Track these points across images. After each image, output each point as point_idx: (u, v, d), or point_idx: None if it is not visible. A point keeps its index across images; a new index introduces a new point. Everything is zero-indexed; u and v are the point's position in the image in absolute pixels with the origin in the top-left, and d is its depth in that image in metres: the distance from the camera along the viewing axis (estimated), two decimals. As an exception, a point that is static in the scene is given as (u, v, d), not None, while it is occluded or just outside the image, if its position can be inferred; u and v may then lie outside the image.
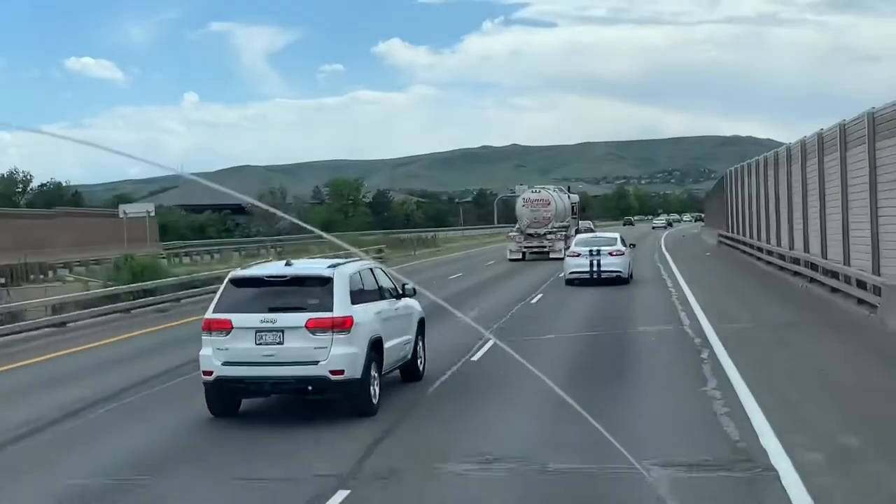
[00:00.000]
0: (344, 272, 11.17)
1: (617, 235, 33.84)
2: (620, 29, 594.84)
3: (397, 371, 12.67)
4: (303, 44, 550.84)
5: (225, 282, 11.42)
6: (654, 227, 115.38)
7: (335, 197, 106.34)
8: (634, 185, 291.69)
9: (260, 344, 10.64)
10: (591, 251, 30.50)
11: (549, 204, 48.27)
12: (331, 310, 10.64)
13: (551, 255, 44.96)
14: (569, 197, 53.68)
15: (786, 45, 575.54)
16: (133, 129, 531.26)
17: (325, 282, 10.90)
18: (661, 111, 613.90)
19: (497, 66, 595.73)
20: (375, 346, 11.26)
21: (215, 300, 11.16)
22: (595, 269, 30.27)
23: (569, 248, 34.92)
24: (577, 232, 46.41)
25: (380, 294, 12.19)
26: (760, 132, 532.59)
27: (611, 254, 30.85)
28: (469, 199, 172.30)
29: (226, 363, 10.75)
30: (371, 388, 11.05)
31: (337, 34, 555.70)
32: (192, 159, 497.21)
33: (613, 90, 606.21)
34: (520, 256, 46.83)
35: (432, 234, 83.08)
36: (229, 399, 11.15)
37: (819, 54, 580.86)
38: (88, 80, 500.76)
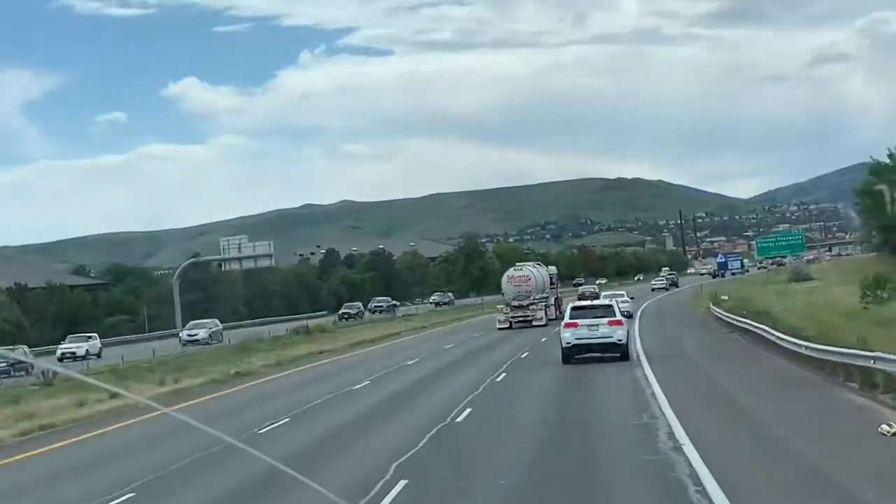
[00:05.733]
0: (615, 303, 38.75)
1: (624, 292, 72.01)
2: (471, 55, 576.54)
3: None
4: (70, 89, 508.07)
5: (569, 307, 38.33)
6: (653, 289, 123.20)
7: None
8: (497, 242, 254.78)
9: (590, 330, 34.34)
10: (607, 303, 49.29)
11: (529, 279, 63.51)
12: (615, 316, 35.34)
13: (534, 323, 60.46)
14: (547, 270, 71.74)
15: (673, 67, 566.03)
16: None
17: (609, 307, 36.98)
18: (527, 153, 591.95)
19: (321, 106, 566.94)
20: (628, 333, 37.54)
21: (567, 314, 35.99)
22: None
23: (551, 315, 61.80)
24: (558, 300, 67.38)
25: (625, 314, 44.94)
26: (650, 173, 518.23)
27: (622, 301, 55.68)
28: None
29: (577, 339, 34.34)
30: (629, 349, 35.58)
31: (115, 75, 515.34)
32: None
33: (467, 130, 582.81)
34: (507, 326, 61.32)
35: None
36: (573, 354, 34.20)
37: (713, 76, 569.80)
38: None
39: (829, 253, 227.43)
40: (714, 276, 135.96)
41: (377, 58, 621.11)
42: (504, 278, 64.91)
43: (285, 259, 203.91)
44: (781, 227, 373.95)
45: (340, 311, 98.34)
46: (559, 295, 72.26)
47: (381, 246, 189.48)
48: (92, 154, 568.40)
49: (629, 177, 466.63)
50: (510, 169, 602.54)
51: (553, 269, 76.51)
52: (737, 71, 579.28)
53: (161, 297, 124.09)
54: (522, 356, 37.98)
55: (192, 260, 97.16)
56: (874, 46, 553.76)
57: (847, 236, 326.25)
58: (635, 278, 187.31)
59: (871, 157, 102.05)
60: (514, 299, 62.28)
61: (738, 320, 42.77)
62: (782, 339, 30.27)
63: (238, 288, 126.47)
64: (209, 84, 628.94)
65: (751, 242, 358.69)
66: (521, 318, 61.32)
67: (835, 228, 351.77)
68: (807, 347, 26.36)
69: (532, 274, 64.50)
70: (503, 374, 29.96)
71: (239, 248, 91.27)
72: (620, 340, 34.23)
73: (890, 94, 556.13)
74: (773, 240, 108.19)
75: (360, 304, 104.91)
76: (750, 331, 38.25)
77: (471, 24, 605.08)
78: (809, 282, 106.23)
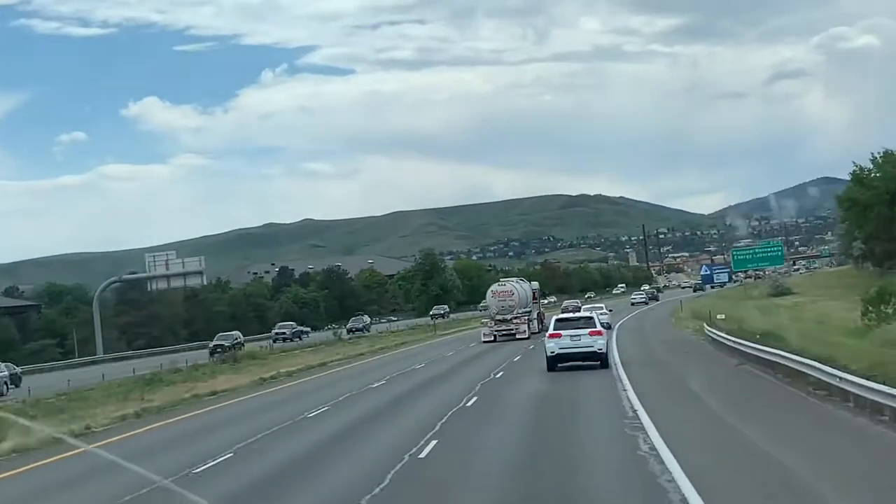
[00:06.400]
0: (595, 315, 40.17)
1: (603, 305, 76.58)
2: (432, 73, 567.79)
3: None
4: (30, 109, 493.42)
5: (554, 319, 39.15)
6: (633, 304, 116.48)
7: None
8: (459, 258, 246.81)
9: (572, 340, 35.91)
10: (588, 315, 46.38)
11: (512, 294, 64.26)
12: (595, 327, 36.78)
13: (517, 336, 61.86)
14: (530, 285, 72.08)
15: (633, 84, 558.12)
16: None
17: (590, 318, 38.33)
18: (489, 171, 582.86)
19: (283, 125, 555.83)
20: (608, 342, 40.44)
21: (551, 326, 37.44)
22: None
23: (534, 329, 65.03)
24: (541, 315, 69.99)
25: (605, 325, 50.29)
26: (612, 189, 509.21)
27: (601, 314, 56.91)
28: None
29: (560, 348, 35.91)
30: (609, 358, 37.49)
31: (75, 95, 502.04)
32: None
33: (429, 148, 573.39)
34: (492, 339, 62.50)
35: None
36: (557, 363, 35.71)
37: (673, 92, 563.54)
38: None
39: (794, 267, 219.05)
40: (695, 290, 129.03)
41: (338, 76, 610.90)
42: (489, 293, 66.47)
43: (241, 278, 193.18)
44: (743, 241, 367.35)
45: (212, 345, 73.54)
46: (542, 309, 74.16)
47: (338, 264, 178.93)
48: (52, 174, 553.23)
49: (591, 193, 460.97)
50: (472, 186, 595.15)
51: (535, 284, 77.68)
52: (696, 87, 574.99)
53: (101, 318, 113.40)
54: (468, 404, 26.77)
55: (113, 279, 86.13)
56: (831, 62, 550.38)
57: (808, 250, 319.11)
58: (585, 296, 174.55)
59: (854, 164, 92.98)
60: (498, 313, 63.68)
61: (749, 346, 32.17)
62: (853, 382, 19.34)
63: (178, 308, 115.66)
64: (170, 103, 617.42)
65: (714, 257, 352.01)
66: (505, 332, 62.74)
67: (797, 243, 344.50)
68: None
69: (515, 289, 65.93)
70: (431, 445, 19.05)
71: (167, 265, 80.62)
72: (601, 350, 36.39)
73: (847, 110, 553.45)
74: (751, 251, 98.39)
75: (237, 333, 79.59)
76: (772, 362, 27.82)
77: (432, 43, 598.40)
78: (790, 296, 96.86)
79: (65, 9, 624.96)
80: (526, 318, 64.23)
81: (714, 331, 41.45)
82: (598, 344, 35.78)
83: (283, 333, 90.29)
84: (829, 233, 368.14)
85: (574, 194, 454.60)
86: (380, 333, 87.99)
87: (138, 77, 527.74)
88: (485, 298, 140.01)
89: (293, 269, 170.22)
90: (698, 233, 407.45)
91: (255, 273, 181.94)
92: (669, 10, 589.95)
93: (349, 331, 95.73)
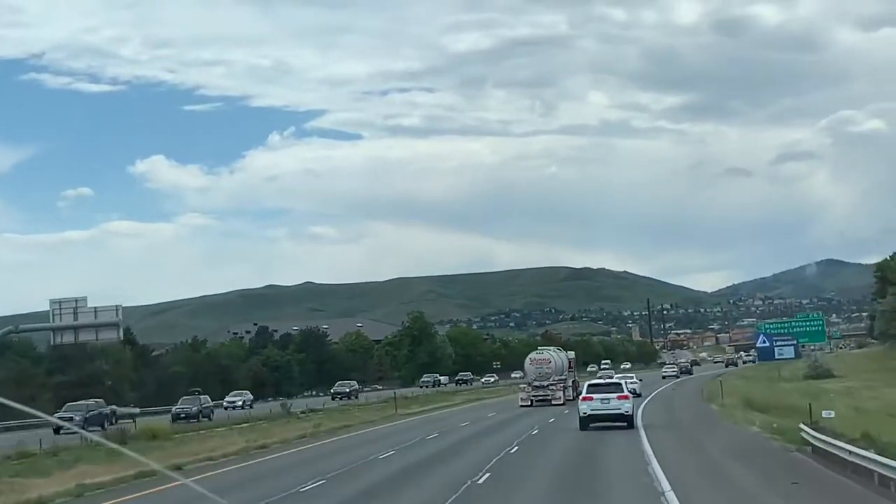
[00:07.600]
0: (623, 382, 45.98)
1: (633, 375, 79.48)
2: (439, 141, 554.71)
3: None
4: (37, 163, 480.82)
5: (586, 384, 43.91)
6: (664, 377, 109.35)
7: None
8: (456, 325, 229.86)
9: (602, 403, 40.25)
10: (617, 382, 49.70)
11: (550, 362, 66.83)
12: (623, 392, 41.57)
13: (553, 402, 63.61)
14: (566, 354, 74.30)
15: (639, 159, 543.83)
16: None
17: (619, 384, 44.04)
18: (493, 240, 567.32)
19: (288, 187, 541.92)
20: (634, 406, 43.80)
21: (584, 390, 42.42)
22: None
23: (569, 396, 64.92)
24: (575, 383, 69.32)
25: (634, 393, 53.54)
26: (615, 264, 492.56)
27: (631, 382, 59.45)
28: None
29: (592, 410, 40.10)
30: (635, 419, 41.88)
31: (83, 150, 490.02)
32: None
33: (433, 215, 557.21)
34: (528, 403, 64.47)
35: None
36: (589, 423, 39.77)
37: (679, 169, 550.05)
38: None
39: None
40: (727, 366, 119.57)
41: (346, 141, 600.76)
42: (527, 360, 68.21)
43: (223, 338, 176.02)
44: (746, 321, 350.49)
45: None
46: (576, 378, 74.72)
47: (325, 326, 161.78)
48: (56, 229, 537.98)
49: (594, 267, 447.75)
50: (475, 255, 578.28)
51: (571, 353, 78.50)
52: (702, 165, 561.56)
53: (33, 377, 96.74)
54: None
55: (8, 329, 68.87)
56: (838, 145, 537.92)
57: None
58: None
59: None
60: (535, 380, 65.75)
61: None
62: None
63: (126, 367, 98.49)
64: (176, 162, 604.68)
65: (719, 335, 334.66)
66: (541, 398, 64.45)
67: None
68: None
69: (552, 357, 68.01)
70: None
71: (75, 315, 63.39)
72: (627, 412, 40.04)
73: (853, 194, 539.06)
74: (786, 325, 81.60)
75: None
76: None
77: (439, 111, 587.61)
78: (832, 379, 79.95)
79: (76, 64, 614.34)
80: (562, 385, 65.77)
81: (831, 440, 23.08)
82: (625, 407, 39.87)
83: (70, 419, 55.16)
84: (834, 314, 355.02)
85: (577, 267, 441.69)
86: (341, 407, 70.64)
87: (146, 135, 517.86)
88: (426, 377, 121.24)
89: (275, 331, 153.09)
90: (701, 310, 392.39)
91: (236, 333, 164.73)
92: (678, 87, 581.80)
93: (176, 417, 66.15)
